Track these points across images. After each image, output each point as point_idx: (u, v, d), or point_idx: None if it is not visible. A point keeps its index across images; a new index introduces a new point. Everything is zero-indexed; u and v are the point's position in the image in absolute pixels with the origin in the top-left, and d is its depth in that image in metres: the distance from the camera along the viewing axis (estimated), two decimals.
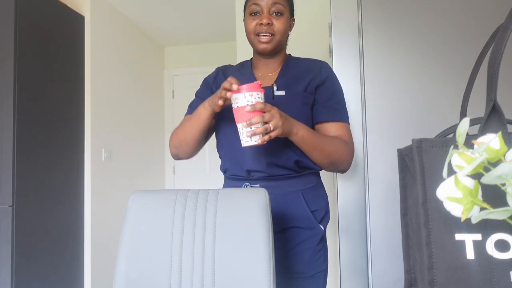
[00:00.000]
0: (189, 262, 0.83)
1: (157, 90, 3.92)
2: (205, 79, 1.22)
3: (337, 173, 1.11)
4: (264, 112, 0.91)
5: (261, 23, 1.06)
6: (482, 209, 0.44)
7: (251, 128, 0.90)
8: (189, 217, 0.86)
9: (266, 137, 0.91)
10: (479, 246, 0.50)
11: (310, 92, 1.08)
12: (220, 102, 0.95)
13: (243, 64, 1.22)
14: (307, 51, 1.58)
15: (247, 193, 0.89)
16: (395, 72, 1.06)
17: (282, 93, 1.08)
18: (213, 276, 0.81)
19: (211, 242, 0.84)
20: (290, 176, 1.07)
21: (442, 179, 0.48)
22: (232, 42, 3.20)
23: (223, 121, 1.11)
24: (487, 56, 0.56)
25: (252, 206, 0.85)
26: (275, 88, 1.09)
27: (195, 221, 0.86)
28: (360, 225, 1.06)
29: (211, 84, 1.18)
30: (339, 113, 1.06)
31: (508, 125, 0.53)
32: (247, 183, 1.08)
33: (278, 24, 1.07)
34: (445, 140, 0.55)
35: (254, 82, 0.93)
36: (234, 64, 1.26)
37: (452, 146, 0.49)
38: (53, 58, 2.34)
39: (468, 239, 0.50)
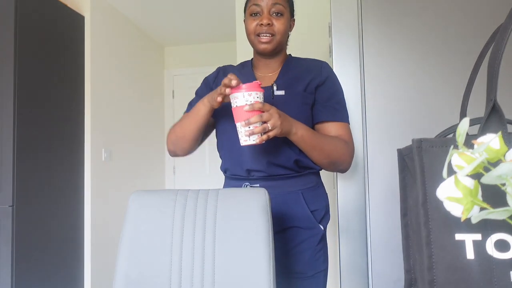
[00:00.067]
0: (189, 262, 0.83)
1: (157, 90, 3.92)
2: (205, 78, 1.22)
3: (337, 173, 1.11)
4: (263, 112, 0.91)
5: (261, 24, 1.06)
6: (482, 209, 0.44)
7: (249, 127, 0.91)
8: (189, 217, 0.86)
9: (265, 137, 0.91)
10: (479, 246, 0.50)
11: (310, 92, 1.08)
12: (219, 99, 0.95)
13: (243, 64, 1.22)
14: (307, 51, 1.58)
15: (247, 193, 0.89)
16: (395, 72, 1.06)
17: (282, 92, 1.08)
18: (213, 276, 0.81)
19: (211, 242, 0.84)
20: (290, 176, 1.07)
21: (442, 179, 0.48)
22: (232, 42, 3.20)
23: (223, 120, 1.11)
24: (487, 56, 0.56)
25: (252, 206, 0.85)
26: (275, 88, 1.09)
27: (195, 221, 0.86)
28: (360, 225, 1.06)
29: (211, 84, 1.18)
30: (339, 113, 1.06)
31: (508, 125, 0.53)
32: (247, 183, 1.09)
33: (278, 25, 1.07)
34: (445, 140, 0.55)
35: (253, 81, 0.94)
36: (235, 64, 1.26)
37: (452, 146, 0.49)
38: (53, 58, 2.34)
39: (468, 239, 0.50)
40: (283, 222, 1.06)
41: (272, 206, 0.93)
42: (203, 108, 1.03)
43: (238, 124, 0.94)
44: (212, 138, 1.20)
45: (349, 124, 1.07)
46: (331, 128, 1.06)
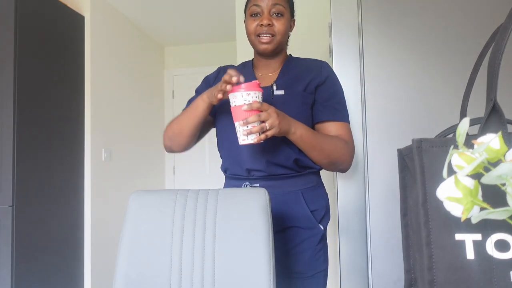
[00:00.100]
0: (189, 262, 0.83)
1: (157, 90, 3.92)
2: (206, 77, 1.23)
3: (337, 173, 1.11)
4: (261, 111, 0.92)
5: (262, 24, 1.06)
6: (482, 209, 0.44)
7: (247, 126, 0.91)
8: (189, 217, 0.86)
9: (263, 136, 0.92)
10: (479, 246, 0.50)
11: (310, 91, 1.08)
12: (220, 96, 0.96)
13: (244, 64, 1.22)
14: (307, 51, 1.58)
15: (247, 193, 0.89)
16: (395, 72, 1.06)
17: (281, 92, 1.08)
18: (213, 276, 0.81)
19: (211, 242, 0.84)
20: (290, 175, 1.07)
21: (442, 179, 0.48)
22: (232, 42, 3.20)
23: (223, 120, 1.11)
24: (487, 56, 0.56)
25: (252, 206, 0.85)
26: (274, 87, 1.09)
27: (195, 221, 0.86)
28: (360, 225, 1.06)
29: (212, 83, 1.19)
30: (339, 113, 1.06)
31: (508, 125, 0.53)
32: (247, 183, 1.09)
33: (278, 25, 1.07)
34: (445, 140, 0.55)
35: (252, 81, 0.94)
36: (235, 64, 1.26)
37: (452, 146, 0.49)
38: (53, 58, 2.34)
39: (468, 239, 0.50)
40: (283, 222, 1.06)
41: (272, 206, 0.93)
42: (201, 104, 1.03)
43: (236, 124, 0.94)
44: (213, 138, 1.20)
45: (349, 124, 1.07)
46: (331, 127, 1.06)
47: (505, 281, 0.49)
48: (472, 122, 0.53)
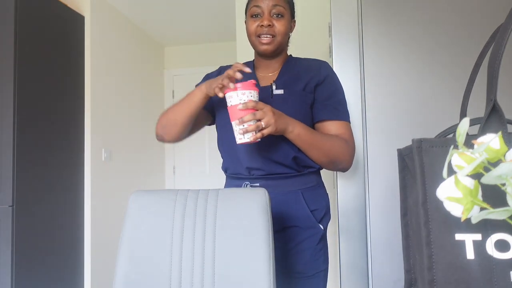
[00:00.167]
0: (189, 262, 0.83)
1: (157, 90, 3.92)
2: (207, 74, 1.23)
3: (337, 173, 1.11)
4: (257, 110, 0.93)
5: (262, 25, 1.06)
6: (482, 209, 0.44)
7: (243, 125, 0.92)
8: (189, 217, 0.86)
9: (259, 135, 0.93)
10: (479, 246, 0.50)
11: (309, 91, 1.08)
12: (219, 93, 0.96)
13: (245, 64, 1.22)
14: (307, 51, 1.58)
15: (247, 193, 0.89)
16: (395, 72, 1.06)
17: (281, 92, 1.08)
18: (213, 276, 0.81)
19: (211, 242, 0.84)
20: (290, 175, 1.07)
21: (442, 179, 0.48)
22: (232, 42, 3.20)
23: (223, 119, 1.11)
24: (487, 56, 0.56)
25: (252, 206, 0.85)
26: (274, 87, 1.09)
27: (195, 221, 0.86)
28: (360, 225, 1.06)
29: None
30: (339, 112, 1.06)
31: (508, 125, 0.53)
32: (247, 182, 1.09)
33: (278, 26, 1.07)
34: (445, 140, 0.55)
35: (248, 80, 0.95)
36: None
37: (452, 146, 0.49)
38: (53, 58, 2.34)
39: (468, 239, 0.50)
40: (283, 222, 1.06)
41: (272, 206, 0.93)
42: (198, 94, 1.03)
43: (233, 123, 0.96)
44: (213, 138, 1.20)
45: (349, 123, 1.07)
46: (331, 127, 1.06)
47: (505, 281, 0.49)
48: (472, 122, 0.53)
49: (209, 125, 1.26)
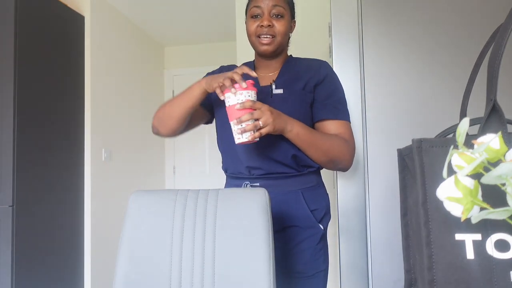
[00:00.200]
0: (189, 262, 0.83)
1: (157, 90, 3.92)
2: (208, 73, 1.23)
3: (337, 173, 1.11)
4: (254, 110, 0.93)
5: (262, 25, 1.06)
6: (482, 209, 0.44)
7: (241, 125, 0.93)
8: (189, 217, 0.86)
9: (257, 134, 0.93)
10: (479, 246, 0.50)
11: (309, 90, 1.08)
12: (219, 94, 0.97)
13: (246, 64, 1.22)
14: (307, 51, 1.58)
15: (247, 193, 0.89)
16: (395, 72, 1.06)
17: (280, 91, 1.08)
18: (213, 276, 0.81)
19: (211, 242, 0.84)
20: (290, 175, 1.07)
21: (442, 179, 0.48)
22: (232, 42, 3.20)
23: (222, 119, 1.11)
24: (487, 56, 0.56)
25: (252, 206, 0.85)
26: (273, 86, 1.09)
27: (195, 221, 0.86)
28: (360, 225, 1.06)
29: None
30: (339, 111, 1.07)
31: (508, 125, 0.53)
32: (247, 182, 1.09)
33: (278, 26, 1.07)
34: (445, 140, 0.55)
35: (246, 81, 0.96)
36: (236, 65, 1.27)
37: (452, 146, 0.49)
38: (53, 58, 2.34)
39: (468, 239, 0.50)
40: (283, 222, 1.06)
41: (272, 206, 0.93)
42: (197, 89, 1.04)
43: (231, 123, 0.96)
44: (213, 138, 1.21)
45: (349, 122, 1.07)
46: (331, 126, 1.07)
47: (505, 281, 0.49)
48: (472, 122, 0.53)
49: (206, 123, 1.26)
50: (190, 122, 1.14)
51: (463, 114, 0.68)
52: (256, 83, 1.03)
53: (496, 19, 0.64)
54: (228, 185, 1.17)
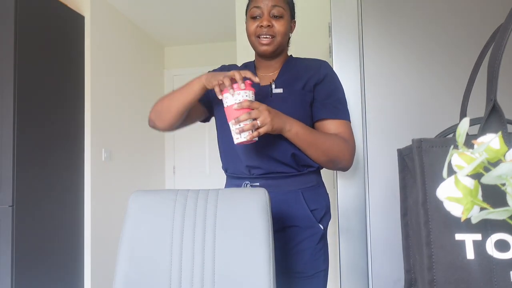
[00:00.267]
0: (189, 262, 0.83)
1: (157, 90, 3.92)
2: (209, 71, 1.23)
3: (337, 173, 1.11)
4: (252, 109, 0.94)
5: (261, 25, 1.07)
6: (482, 209, 0.44)
7: (240, 125, 0.94)
8: (189, 217, 0.86)
9: (255, 133, 0.94)
10: (479, 246, 0.50)
11: (308, 90, 1.09)
12: (217, 93, 0.97)
13: (246, 64, 1.23)
14: (307, 51, 1.58)
15: (247, 193, 0.89)
16: (395, 72, 1.06)
17: (280, 90, 1.09)
18: (213, 276, 0.81)
19: (211, 242, 0.84)
20: (289, 174, 1.07)
21: (442, 179, 0.48)
22: (232, 42, 3.20)
23: (221, 120, 1.11)
24: (487, 56, 0.56)
25: (252, 206, 0.85)
26: (273, 86, 1.10)
27: (195, 221, 0.86)
28: (360, 225, 1.06)
29: None
30: (339, 111, 1.07)
31: (508, 125, 0.53)
32: (247, 182, 1.09)
33: (278, 26, 1.07)
34: (445, 140, 0.55)
35: (245, 81, 0.97)
36: (237, 64, 1.27)
37: (452, 146, 0.49)
38: (53, 58, 2.34)
39: (468, 239, 0.50)
40: (282, 221, 1.06)
41: (272, 205, 0.93)
42: (196, 84, 1.04)
43: (230, 123, 0.97)
44: (213, 138, 1.21)
45: (349, 122, 1.07)
46: (331, 125, 1.07)
47: (505, 281, 0.49)
48: (472, 122, 0.53)
49: (203, 121, 1.26)
50: (187, 118, 1.14)
51: (463, 114, 0.68)
52: (257, 88, 1.03)
53: (496, 19, 0.64)
54: (228, 185, 1.17)
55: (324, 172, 1.17)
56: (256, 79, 0.97)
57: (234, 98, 0.94)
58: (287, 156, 1.05)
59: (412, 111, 1.04)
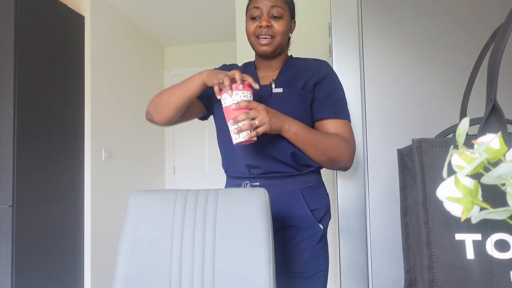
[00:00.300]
0: (189, 262, 0.83)
1: (157, 90, 3.90)
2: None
3: (337, 173, 1.11)
4: (250, 109, 0.94)
5: (261, 26, 1.07)
6: (482, 209, 0.44)
7: (238, 125, 0.94)
8: (189, 217, 0.86)
9: (253, 133, 0.94)
10: (479, 246, 0.50)
11: (308, 89, 1.09)
12: (216, 93, 0.97)
13: (247, 64, 1.23)
14: (307, 51, 1.58)
15: (247, 193, 0.89)
16: (395, 72, 1.06)
17: (280, 90, 1.09)
18: (213, 276, 0.81)
19: (211, 242, 0.84)
20: (289, 174, 1.07)
21: (442, 179, 0.48)
22: (232, 42, 3.20)
23: (221, 120, 1.11)
24: (487, 56, 0.56)
25: (252, 206, 0.85)
26: (273, 85, 1.10)
27: (195, 221, 0.86)
28: (360, 225, 1.06)
29: None
30: (339, 111, 1.07)
31: (508, 125, 0.53)
32: (247, 181, 1.09)
33: (277, 26, 1.07)
34: (445, 140, 0.55)
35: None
36: (239, 64, 1.27)
37: (452, 146, 0.49)
38: (53, 58, 2.34)
39: (468, 239, 0.50)
40: (282, 221, 1.06)
41: (272, 205, 0.93)
42: (197, 80, 1.04)
43: (228, 124, 0.97)
44: (213, 138, 1.21)
45: (350, 121, 1.07)
46: (331, 125, 1.07)
47: (505, 281, 0.49)
48: (472, 122, 0.53)
49: (201, 119, 1.27)
50: (184, 114, 1.14)
51: (463, 114, 0.68)
52: (255, 92, 1.03)
53: (496, 19, 0.64)
54: (228, 185, 1.17)
55: (324, 172, 1.17)
56: (256, 86, 0.97)
57: (232, 98, 0.95)
58: (287, 155, 1.05)
59: (412, 111, 1.04)
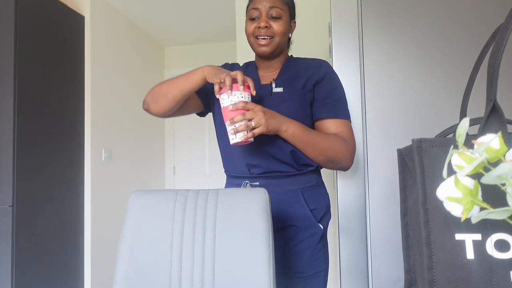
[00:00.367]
0: (189, 262, 0.83)
1: None
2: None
3: (337, 173, 1.11)
4: (247, 110, 0.94)
5: (259, 26, 1.07)
6: (482, 209, 0.44)
7: (235, 126, 0.95)
8: (189, 217, 0.86)
9: (250, 134, 0.95)
10: (479, 246, 0.50)
11: (308, 89, 1.09)
12: (216, 87, 0.97)
13: (248, 64, 1.23)
14: (307, 51, 1.58)
15: (247, 193, 0.89)
16: (395, 72, 1.06)
17: (280, 90, 1.09)
18: (213, 276, 0.81)
19: (211, 242, 0.84)
20: (289, 174, 1.07)
21: (442, 179, 0.48)
22: (232, 42, 3.20)
23: (220, 120, 1.11)
24: (487, 56, 0.56)
25: (252, 206, 0.85)
26: (273, 85, 1.10)
27: (195, 221, 0.86)
28: (360, 225, 1.06)
29: None
30: (339, 110, 1.07)
31: (508, 125, 0.53)
32: (247, 181, 1.09)
33: (276, 27, 1.08)
34: (445, 140, 0.55)
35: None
36: (240, 64, 1.27)
37: (452, 146, 0.49)
38: (53, 58, 2.34)
39: (468, 239, 0.50)
40: (282, 221, 1.06)
41: (271, 205, 0.93)
42: (198, 74, 1.04)
43: (226, 124, 0.98)
44: (212, 138, 1.21)
45: (350, 121, 1.07)
46: (331, 125, 1.07)
47: (505, 281, 0.49)
48: (472, 122, 0.53)
49: (199, 115, 1.27)
50: (181, 107, 1.14)
51: (463, 114, 0.68)
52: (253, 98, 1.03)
53: (496, 19, 0.64)
54: (228, 185, 1.17)
55: (324, 172, 1.17)
56: (253, 92, 0.97)
57: (230, 99, 0.95)
58: (286, 154, 1.05)
59: (412, 111, 1.04)
